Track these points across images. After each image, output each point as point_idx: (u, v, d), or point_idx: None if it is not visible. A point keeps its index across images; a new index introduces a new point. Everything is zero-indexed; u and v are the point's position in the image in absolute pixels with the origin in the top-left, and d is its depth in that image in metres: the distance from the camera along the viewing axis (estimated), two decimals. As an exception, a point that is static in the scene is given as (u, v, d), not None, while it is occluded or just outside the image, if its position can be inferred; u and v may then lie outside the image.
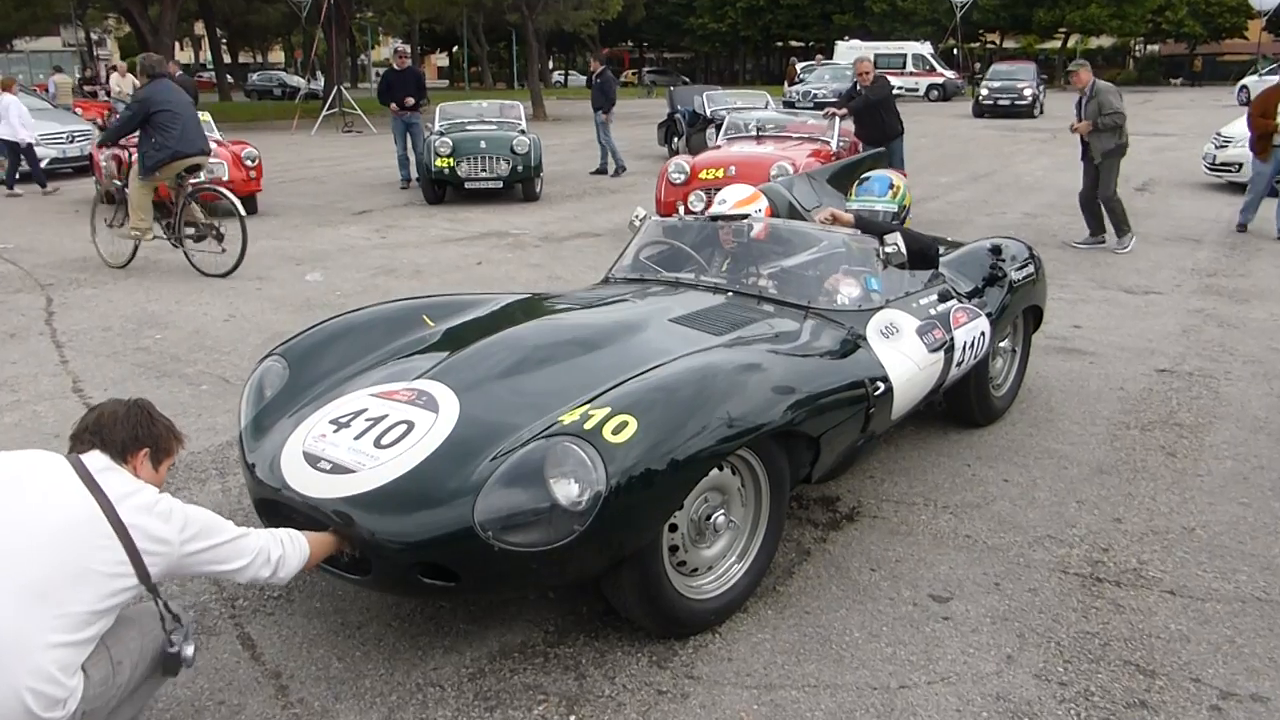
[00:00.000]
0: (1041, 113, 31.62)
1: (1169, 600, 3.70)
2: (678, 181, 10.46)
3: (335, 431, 3.34)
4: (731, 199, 4.98)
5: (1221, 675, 3.25)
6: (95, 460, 2.58)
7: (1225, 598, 3.72)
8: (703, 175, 10.34)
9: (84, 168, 16.23)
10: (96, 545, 2.41)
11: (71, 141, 17.36)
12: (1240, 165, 14.20)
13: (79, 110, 21.37)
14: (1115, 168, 10.30)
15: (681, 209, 9.29)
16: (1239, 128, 14.72)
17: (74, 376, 6.35)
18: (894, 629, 3.51)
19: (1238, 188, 14.23)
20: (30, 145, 15.45)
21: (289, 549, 2.84)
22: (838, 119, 11.57)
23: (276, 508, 3.31)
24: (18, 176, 15.40)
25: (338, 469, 3.17)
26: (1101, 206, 10.41)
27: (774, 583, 3.81)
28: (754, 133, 12.04)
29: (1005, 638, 3.46)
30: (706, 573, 3.51)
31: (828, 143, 11.34)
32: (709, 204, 9.51)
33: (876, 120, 11.24)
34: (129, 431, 2.69)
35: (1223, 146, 14.58)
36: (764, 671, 3.26)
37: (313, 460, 3.24)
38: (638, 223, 5.19)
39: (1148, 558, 4.01)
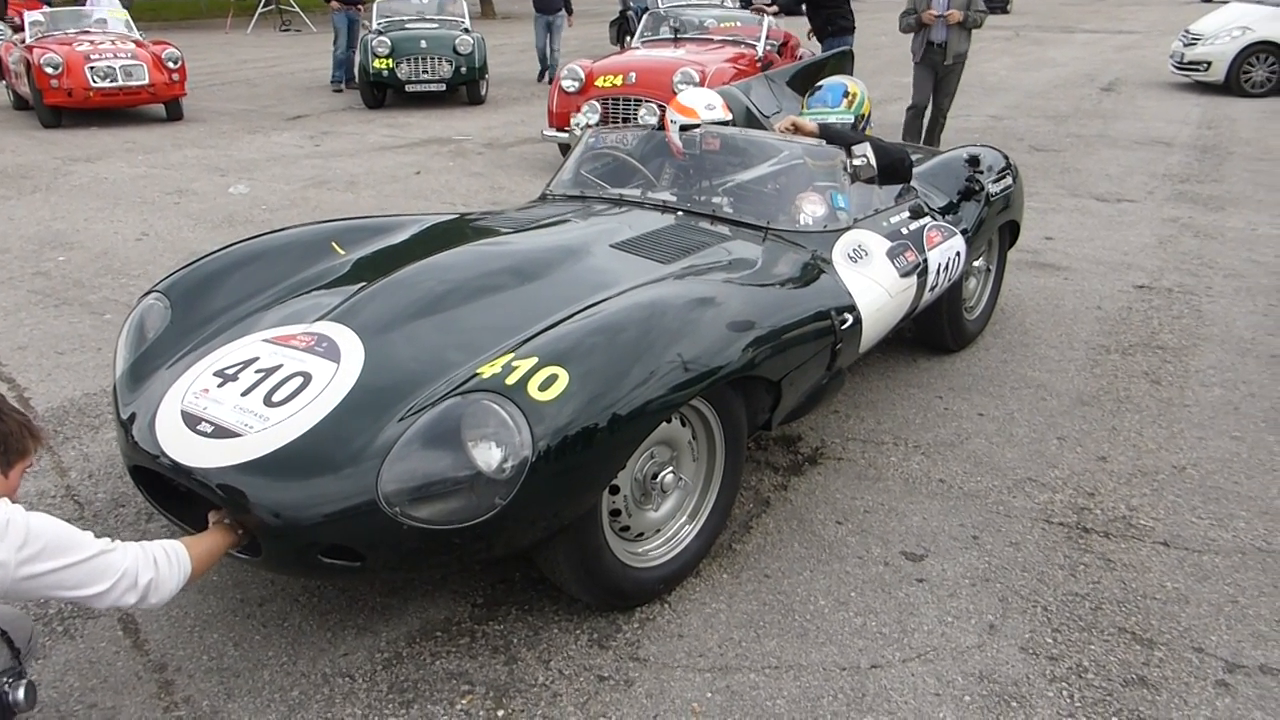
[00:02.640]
0: (1012, 9, 30.70)
1: (1163, 553, 3.37)
2: (571, 90, 9.26)
3: (220, 386, 2.86)
4: (718, 104, 4.44)
5: (1226, 643, 2.91)
6: None
7: (1224, 549, 3.38)
8: (599, 83, 9.17)
9: (-4, 70, 15.18)
10: None
11: (-18, 42, 16.24)
12: (1209, 64, 13.76)
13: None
14: (960, 75, 9.40)
15: (575, 121, 8.47)
16: (1208, 24, 14.25)
17: (-37, 306, 5.78)
18: (864, 594, 3.14)
19: (1206, 87, 13.84)
20: None
21: (164, 571, 2.29)
22: (766, 18, 10.63)
23: (154, 476, 2.85)
24: None
25: (220, 432, 2.69)
26: (926, 121, 9.48)
27: (730, 539, 3.42)
28: (671, 34, 10.90)
29: (987, 602, 3.10)
30: (653, 537, 3.11)
31: (753, 46, 10.31)
32: (604, 115, 8.84)
33: (815, 14, 10.31)
34: None
35: (1191, 44, 14.09)
36: (719, 650, 2.89)
37: (192, 421, 2.76)
38: (579, 131, 4.66)
39: (1137, 503, 3.67)
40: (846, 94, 4.64)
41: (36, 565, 2.05)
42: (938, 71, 9.24)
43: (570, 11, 15.43)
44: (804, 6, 10.22)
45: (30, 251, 6.85)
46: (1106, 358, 4.98)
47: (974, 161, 4.86)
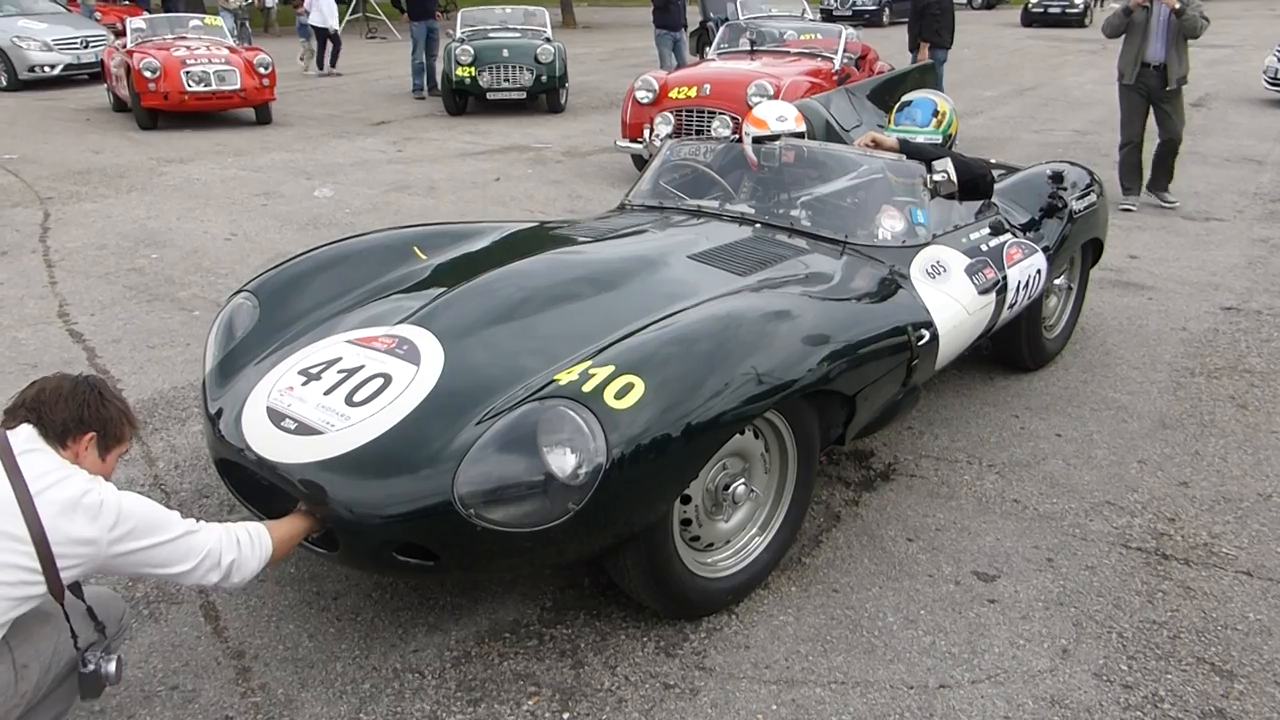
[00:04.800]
0: (1091, 22, 30.17)
1: (1245, 583, 3.28)
2: (645, 101, 9.23)
3: (304, 384, 2.94)
4: (789, 116, 4.45)
5: (1311, 679, 2.84)
6: (21, 438, 2.16)
7: (1310, 582, 3.29)
8: (673, 95, 9.11)
9: (98, 74, 15.71)
10: (2, 548, 2.01)
11: (86, 47, 16.82)
12: (1306, 80, 13.34)
13: (99, 15, 20.74)
14: (1182, 97, 7.80)
15: (648, 133, 8.52)
16: (1306, 39, 13.80)
17: (61, 299, 6.00)
18: (933, 613, 3.12)
19: (1301, 104, 13.43)
20: (336, 33, 17.53)
21: (246, 551, 2.39)
22: (844, 33, 10.56)
23: (238, 469, 2.94)
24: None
25: (303, 429, 2.77)
26: (1169, 151, 8.06)
27: (799, 552, 3.41)
28: (747, 46, 10.80)
29: (1060, 626, 3.05)
30: (723, 548, 3.12)
31: (830, 59, 10.20)
32: (677, 127, 8.75)
33: (914, 24, 10.18)
34: (72, 412, 2.25)
35: (1287, 60, 13.67)
36: (785, 663, 2.89)
37: (276, 418, 2.84)
38: (658, 142, 4.69)
39: (1219, 530, 3.58)
40: (936, 112, 4.61)
41: (127, 544, 2.15)
42: (1152, 98, 7.84)
43: (687, 27, 14.74)
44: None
45: (126, 248, 7.09)
46: (1191, 380, 4.87)
47: (1057, 178, 4.78)
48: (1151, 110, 7.94)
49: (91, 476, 2.18)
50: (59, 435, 2.23)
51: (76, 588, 2.20)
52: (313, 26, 17.33)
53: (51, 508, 2.06)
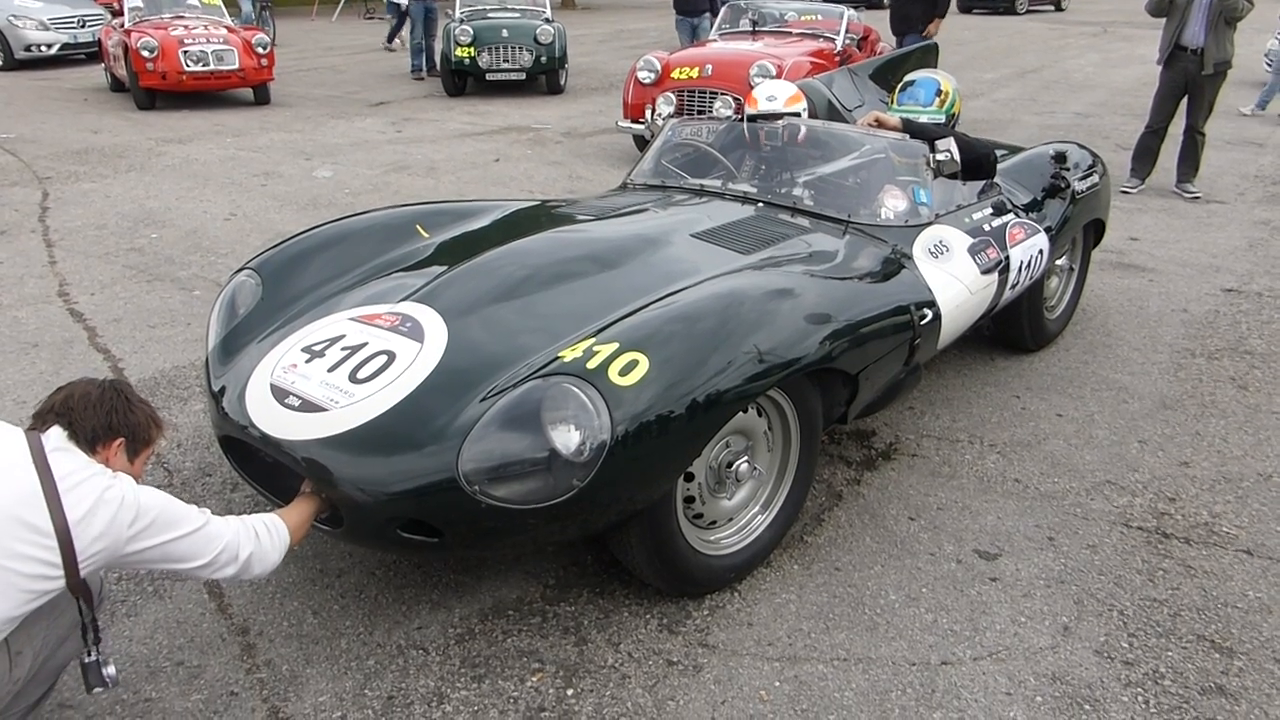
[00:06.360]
0: (1061, 9, 29.62)
1: (1245, 561, 3.29)
2: (647, 81, 9.18)
3: (307, 362, 2.94)
4: (780, 96, 4.44)
5: (1310, 657, 2.85)
6: (52, 438, 2.16)
7: (1310, 560, 3.30)
8: (675, 75, 9.08)
9: (95, 54, 15.64)
10: (25, 540, 2.01)
11: (82, 26, 16.73)
12: (1307, 62, 13.27)
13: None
14: (1220, 87, 7.67)
15: (649, 113, 8.47)
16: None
17: (61, 279, 5.98)
18: (935, 591, 3.13)
19: (1303, 87, 13.36)
20: (405, 10, 16.78)
21: (264, 544, 2.39)
22: (845, 13, 10.51)
23: (241, 447, 2.94)
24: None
25: (307, 406, 2.77)
26: (1192, 141, 7.92)
27: (801, 531, 3.42)
28: (749, 27, 10.79)
29: (1061, 604, 3.07)
30: (726, 525, 3.13)
31: (832, 40, 10.17)
32: (679, 107, 8.73)
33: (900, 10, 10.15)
34: (102, 418, 2.25)
35: (1288, 41, 13.59)
36: (788, 640, 2.90)
37: (280, 395, 2.84)
38: (660, 122, 4.68)
39: (1220, 510, 3.59)
40: (939, 92, 4.59)
41: (145, 540, 2.15)
42: (1189, 83, 7.67)
43: (715, 13, 13.60)
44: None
45: (125, 228, 7.08)
46: (1191, 361, 4.87)
47: (1060, 158, 4.78)
48: (1186, 97, 7.80)
49: (112, 473, 2.18)
50: (89, 440, 2.23)
51: (82, 586, 2.20)
52: (396, 3, 17.23)
53: (78, 506, 2.05)
